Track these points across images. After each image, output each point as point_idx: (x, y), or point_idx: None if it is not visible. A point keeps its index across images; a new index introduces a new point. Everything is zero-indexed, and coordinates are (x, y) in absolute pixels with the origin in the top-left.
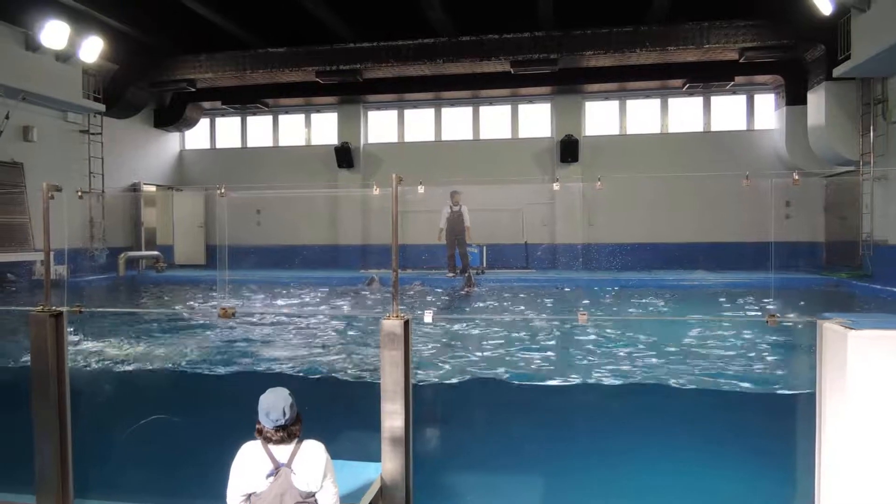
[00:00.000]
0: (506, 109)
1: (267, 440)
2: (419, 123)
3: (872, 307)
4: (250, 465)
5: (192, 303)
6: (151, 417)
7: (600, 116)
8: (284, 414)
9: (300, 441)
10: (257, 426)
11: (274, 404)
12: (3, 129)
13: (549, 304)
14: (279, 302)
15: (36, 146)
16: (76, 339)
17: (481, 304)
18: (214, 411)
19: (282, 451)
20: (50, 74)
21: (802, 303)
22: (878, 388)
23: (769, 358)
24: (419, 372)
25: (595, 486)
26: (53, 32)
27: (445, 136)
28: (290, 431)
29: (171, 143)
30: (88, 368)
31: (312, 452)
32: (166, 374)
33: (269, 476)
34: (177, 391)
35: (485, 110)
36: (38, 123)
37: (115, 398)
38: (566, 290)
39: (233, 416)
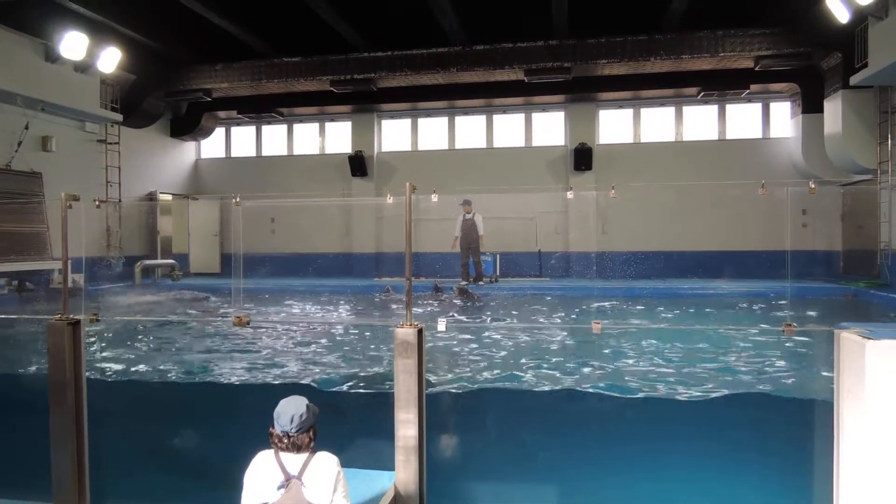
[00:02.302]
0: (519, 118)
1: (276, 445)
2: (433, 132)
3: (891, 317)
4: (262, 474)
5: (207, 311)
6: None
7: (614, 125)
8: (292, 421)
9: (313, 453)
10: (270, 429)
11: (284, 410)
12: (22, 140)
13: (566, 311)
14: (294, 310)
15: (54, 156)
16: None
17: (490, 312)
18: (227, 420)
19: (293, 463)
20: (68, 85)
21: (819, 312)
22: None
23: (785, 367)
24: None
25: (609, 493)
26: (72, 43)
27: (459, 145)
28: (294, 441)
29: (186, 153)
30: (105, 377)
31: (324, 465)
32: (179, 382)
33: (279, 487)
34: (190, 400)
35: (498, 118)
36: (57, 133)
37: (131, 406)
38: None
39: (244, 426)
